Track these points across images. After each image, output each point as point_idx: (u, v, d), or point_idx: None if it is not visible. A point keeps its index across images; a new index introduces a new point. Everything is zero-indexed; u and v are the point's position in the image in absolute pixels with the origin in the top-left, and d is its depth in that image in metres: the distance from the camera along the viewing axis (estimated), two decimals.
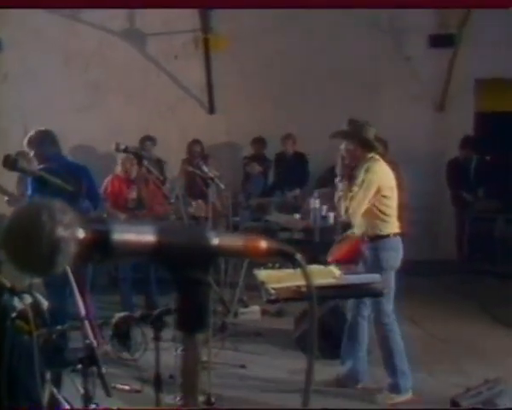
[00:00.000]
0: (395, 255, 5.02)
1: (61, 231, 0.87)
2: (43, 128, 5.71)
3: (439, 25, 10.37)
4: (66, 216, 0.89)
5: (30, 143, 5.58)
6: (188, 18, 10.38)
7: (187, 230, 1.10)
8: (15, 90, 10.31)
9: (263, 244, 1.10)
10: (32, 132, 5.63)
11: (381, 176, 5.01)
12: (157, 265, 1.02)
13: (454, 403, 3.96)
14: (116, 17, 10.52)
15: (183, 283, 1.02)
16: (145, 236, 0.98)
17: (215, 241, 1.05)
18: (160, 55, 10.69)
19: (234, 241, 1.09)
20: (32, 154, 5.58)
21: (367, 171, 4.94)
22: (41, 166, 5.43)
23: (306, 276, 1.11)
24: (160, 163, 7.22)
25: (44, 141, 5.59)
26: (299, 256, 1.11)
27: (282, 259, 1.16)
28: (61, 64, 10.50)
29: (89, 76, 10.54)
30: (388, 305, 5.02)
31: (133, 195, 7.09)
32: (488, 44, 9.92)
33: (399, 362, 5.03)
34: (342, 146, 5.13)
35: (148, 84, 10.64)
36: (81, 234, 0.90)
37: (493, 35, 9.93)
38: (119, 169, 7.52)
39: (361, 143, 5.02)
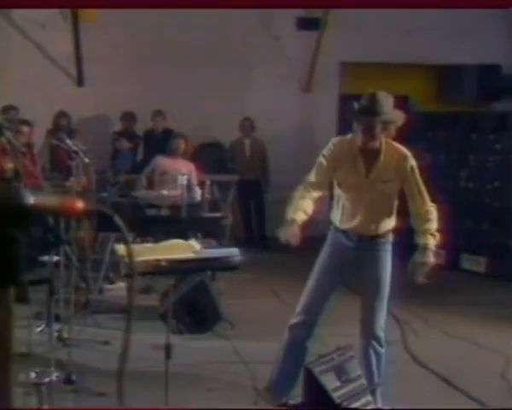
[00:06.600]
0: None
1: None
2: None
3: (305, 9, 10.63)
4: None
5: None
6: None
7: (2, 188, 1.11)
8: None
9: (79, 204, 1.13)
10: None
11: None
12: None
13: (306, 370, 4.13)
14: None
15: None
16: None
17: (30, 200, 1.07)
18: (26, 23, 10.25)
19: (49, 200, 1.12)
20: None
21: (407, 156, 4.37)
22: None
23: (125, 238, 1.16)
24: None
25: None
26: (117, 218, 1.15)
27: (104, 220, 1.19)
28: None
29: None
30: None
31: (10, 165, 6.76)
32: (353, 29, 10.33)
33: None
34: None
35: (12, 52, 10.19)
36: None
37: (358, 20, 10.34)
38: None
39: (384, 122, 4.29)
